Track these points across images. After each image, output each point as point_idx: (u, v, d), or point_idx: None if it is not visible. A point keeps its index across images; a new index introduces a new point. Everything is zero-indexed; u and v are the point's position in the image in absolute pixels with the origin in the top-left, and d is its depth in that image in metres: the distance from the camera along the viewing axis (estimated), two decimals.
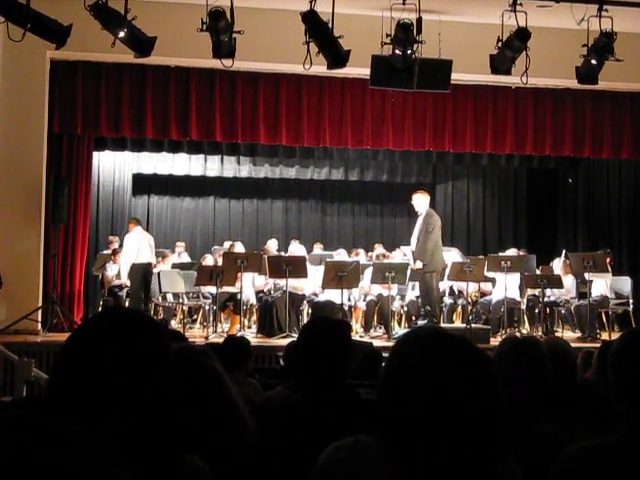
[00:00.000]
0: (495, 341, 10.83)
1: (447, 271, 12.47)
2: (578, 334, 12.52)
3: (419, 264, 11.65)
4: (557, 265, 13.81)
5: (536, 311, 13.01)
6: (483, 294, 13.58)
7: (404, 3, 9.17)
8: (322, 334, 3.10)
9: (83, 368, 1.63)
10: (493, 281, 13.18)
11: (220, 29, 9.04)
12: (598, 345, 8.06)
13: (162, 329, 1.77)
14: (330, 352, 3.04)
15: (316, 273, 12.55)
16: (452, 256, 13.15)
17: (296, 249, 13.55)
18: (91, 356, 1.64)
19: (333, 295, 12.22)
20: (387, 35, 9.40)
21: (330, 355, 3.04)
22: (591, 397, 3.56)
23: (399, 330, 12.57)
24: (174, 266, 13.69)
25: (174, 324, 12.77)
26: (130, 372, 1.63)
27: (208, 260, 13.72)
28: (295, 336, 10.69)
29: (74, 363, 1.65)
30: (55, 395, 1.65)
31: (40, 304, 11.64)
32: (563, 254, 13.68)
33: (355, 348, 3.37)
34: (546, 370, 3.01)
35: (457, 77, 11.42)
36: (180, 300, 12.89)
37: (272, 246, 14.28)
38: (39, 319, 11.49)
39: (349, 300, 12.75)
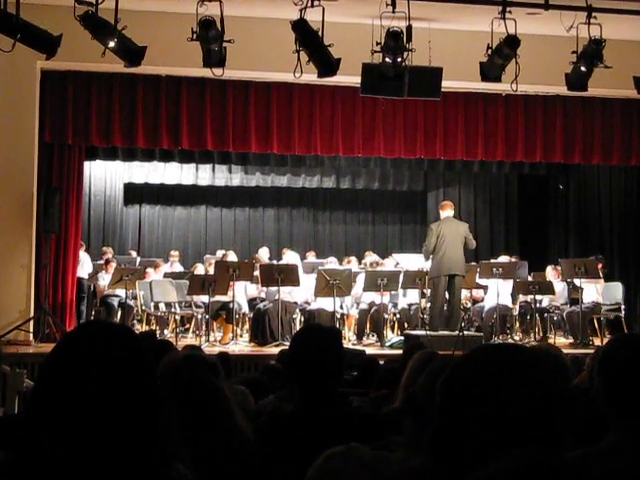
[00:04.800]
0: None
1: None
2: (570, 340, 12.55)
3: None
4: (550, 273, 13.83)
5: (528, 318, 13.03)
6: (475, 301, 13.59)
7: (394, 11, 9.17)
8: (313, 342, 3.10)
9: (62, 383, 1.63)
10: (485, 288, 13.21)
11: (210, 38, 9.04)
12: (590, 351, 8.08)
13: (139, 340, 1.76)
14: (321, 360, 3.04)
15: (308, 281, 12.55)
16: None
17: (291, 258, 13.54)
18: (68, 371, 1.64)
19: (326, 303, 12.22)
20: (377, 43, 9.41)
21: (321, 363, 3.04)
22: (583, 403, 3.56)
23: (392, 338, 12.58)
24: (166, 275, 13.68)
25: (166, 333, 12.75)
26: (108, 384, 1.62)
27: (199, 269, 13.72)
28: (287, 344, 10.68)
29: (53, 379, 1.65)
30: (38, 409, 1.65)
31: (32, 315, 11.60)
32: None
33: (348, 356, 3.37)
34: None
35: (447, 84, 11.43)
36: (172, 309, 12.86)
37: (263, 254, 14.28)
38: (31, 330, 11.46)
39: (342, 308, 12.75)
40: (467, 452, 1.60)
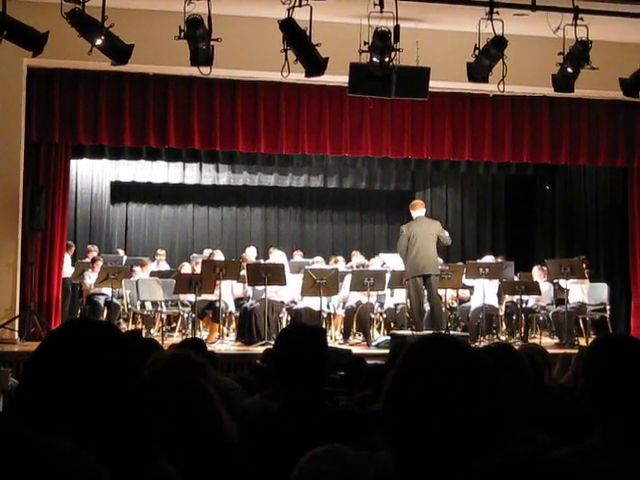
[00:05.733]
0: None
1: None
2: (556, 340, 12.60)
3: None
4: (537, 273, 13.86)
5: (514, 318, 13.07)
6: (461, 301, 13.62)
7: (382, 11, 9.18)
8: (297, 341, 3.10)
9: (48, 382, 1.63)
10: (471, 288, 13.24)
11: (198, 37, 9.03)
12: (575, 351, 8.11)
13: (124, 338, 1.76)
14: (305, 359, 3.04)
15: (295, 281, 12.55)
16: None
17: (278, 257, 13.55)
18: (55, 370, 1.64)
19: (312, 303, 12.22)
20: (365, 43, 9.42)
21: (305, 362, 3.04)
22: (568, 403, 3.58)
23: (378, 337, 12.58)
24: (153, 274, 13.64)
25: (153, 332, 12.73)
26: (95, 385, 1.62)
27: (186, 268, 13.70)
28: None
29: (39, 377, 1.65)
30: (23, 407, 1.65)
31: (17, 313, 11.56)
32: None
33: (334, 356, 3.38)
34: (525, 377, 3.01)
35: (435, 85, 11.45)
36: (159, 308, 12.84)
37: (250, 254, 14.26)
38: (16, 328, 11.42)
39: (328, 307, 12.76)
40: (419, 451, 1.61)
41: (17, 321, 11.50)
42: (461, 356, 1.67)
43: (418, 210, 11.73)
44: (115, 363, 1.68)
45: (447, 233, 11.77)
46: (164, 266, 14.99)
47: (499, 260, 14.13)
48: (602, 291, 13.39)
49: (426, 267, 11.27)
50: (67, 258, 13.44)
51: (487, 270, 12.43)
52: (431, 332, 10.98)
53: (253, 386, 5.26)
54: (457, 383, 1.61)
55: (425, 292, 11.43)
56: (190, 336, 11.96)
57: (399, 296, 13.00)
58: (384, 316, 13.24)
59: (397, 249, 11.80)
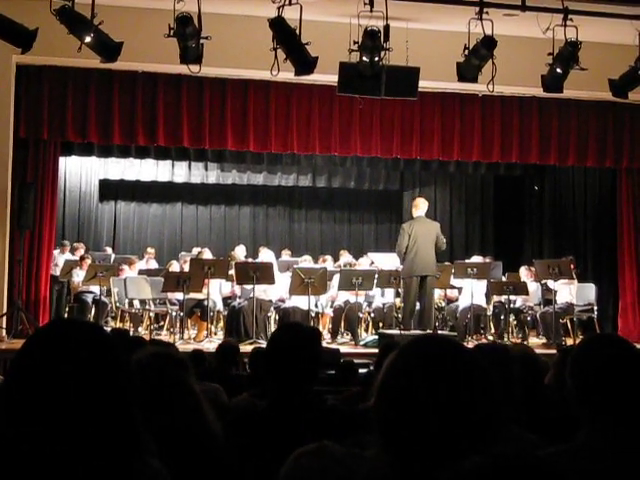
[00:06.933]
0: None
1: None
2: (543, 340, 12.63)
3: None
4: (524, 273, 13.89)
5: (502, 318, 13.09)
6: (449, 300, 13.64)
7: (372, 10, 9.18)
8: (292, 342, 3.09)
9: (34, 381, 1.62)
10: (459, 288, 13.25)
11: (187, 35, 9.01)
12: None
13: (111, 340, 1.75)
14: (299, 359, 3.04)
15: (283, 279, 12.54)
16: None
17: (266, 256, 13.54)
18: (41, 370, 1.63)
19: (300, 302, 12.22)
20: (355, 42, 9.41)
21: (299, 362, 3.03)
22: (551, 403, 3.59)
23: (366, 336, 12.58)
24: (141, 272, 13.61)
25: (140, 330, 12.70)
26: (82, 385, 1.62)
27: (174, 267, 13.68)
28: (261, 342, 10.69)
29: (25, 376, 1.64)
30: (10, 405, 1.64)
31: (5, 310, 11.52)
32: None
33: (323, 355, 3.37)
34: (513, 377, 3.02)
35: (424, 84, 11.46)
36: (147, 306, 12.81)
37: (239, 252, 14.24)
38: (4, 325, 11.38)
39: (316, 306, 12.75)
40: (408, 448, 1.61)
41: (4, 319, 11.46)
42: (457, 356, 1.67)
43: (420, 209, 11.72)
44: (101, 364, 1.67)
45: (442, 236, 11.77)
46: (153, 264, 14.96)
47: (487, 260, 14.16)
48: (590, 292, 13.42)
49: (425, 268, 11.31)
50: (62, 257, 13.44)
51: (475, 270, 12.45)
52: (422, 332, 11.01)
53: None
54: (453, 383, 1.62)
55: (418, 292, 11.46)
56: (177, 336, 11.98)
57: (389, 296, 13.01)
58: (372, 315, 13.23)
59: (396, 247, 11.71)
